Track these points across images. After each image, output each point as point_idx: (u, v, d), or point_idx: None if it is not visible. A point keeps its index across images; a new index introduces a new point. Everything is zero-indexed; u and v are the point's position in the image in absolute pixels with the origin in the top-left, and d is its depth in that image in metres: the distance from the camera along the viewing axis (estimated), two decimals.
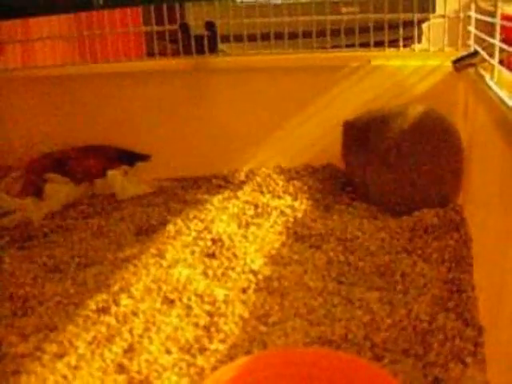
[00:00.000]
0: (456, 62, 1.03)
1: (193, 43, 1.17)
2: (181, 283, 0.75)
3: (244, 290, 0.75)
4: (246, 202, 1.00)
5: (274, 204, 0.99)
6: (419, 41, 1.33)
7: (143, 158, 1.15)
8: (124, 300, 0.72)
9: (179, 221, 0.93)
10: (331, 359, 0.56)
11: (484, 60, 0.90)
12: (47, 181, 1.08)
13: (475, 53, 0.97)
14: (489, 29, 0.88)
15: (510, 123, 0.63)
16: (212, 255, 0.84)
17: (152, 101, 1.17)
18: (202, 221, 0.93)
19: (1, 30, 1.26)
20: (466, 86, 0.99)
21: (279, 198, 1.03)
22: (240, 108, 1.16)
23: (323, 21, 1.13)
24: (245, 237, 0.88)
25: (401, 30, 1.12)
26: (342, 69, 1.11)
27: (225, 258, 0.82)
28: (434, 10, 1.42)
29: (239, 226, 0.93)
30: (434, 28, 1.13)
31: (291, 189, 1.05)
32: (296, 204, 0.99)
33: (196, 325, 0.68)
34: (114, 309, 0.70)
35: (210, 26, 1.18)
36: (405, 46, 1.14)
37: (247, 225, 0.93)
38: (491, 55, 0.83)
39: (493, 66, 0.82)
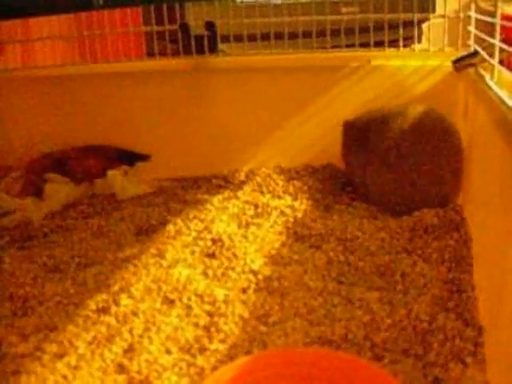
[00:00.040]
0: (456, 62, 1.03)
1: (193, 43, 1.17)
2: (181, 283, 0.75)
3: (244, 290, 0.75)
4: (246, 202, 1.00)
5: (274, 204, 0.99)
6: (419, 41, 1.33)
7: (143, 157, 1.15)
8: (124, 300, 0.72)
9: (179, 221, 0.93)
10: (331, 359, 0.56)
11: (484, 60, 0.90)
12: (47, 181, 1.08)
13: (475, 53, 0.97)
14: (489, 29, 0.88)
15: (510, 123, 0.63)
16: (212, 255, 0.84)
17: (152, 101, 1.17)
18: (202, 221, 0.93)
19: (1, 30, 1.26)
20: (466, 86, 0.99)
21: (279, 198, 1.03)
22: (240, 108, 1.16)
23: (323, 21, 1.13)
24: (245, 237, 0.88)
25: (401, 30, 1.12)
26: (342, 69, 1.11)
27: (225, 258, 0.82)
28: (433, 10, 1.42)
29: (239, 226, 0.93)
30: (434, 28, 1.13)
31: (291, 189, 1.05)
32: (296, 204, 0.99)
33: (196, 325, 0.68)
34: (114, 309, 0.70)
35: (209, 25, 1.18)
36: (405, 46, 1.14)
37: (247, 225, 0.93)
38: (491, 55, 0.83)
39: (493, 66, 0.82)
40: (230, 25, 1.17)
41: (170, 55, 1.21)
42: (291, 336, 0.64)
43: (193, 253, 0.84)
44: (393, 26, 1.13)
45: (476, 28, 1.01)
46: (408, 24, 1.15)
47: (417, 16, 1.14)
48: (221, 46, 1.20)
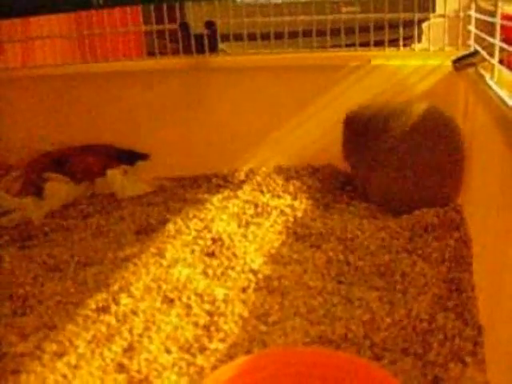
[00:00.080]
0: (456, 61, 1.03)
1: (193, 42, 1.17)
2: (181, 282, 0.75)
3: (244, 290, 0.75)
4: (246, 202, 1.00)
5: (274, 203, 0.99)
6: (419, 40, 1.33)
7: (143, 157, 1.15)
8: (124, 299, 0.72)
9: (179, 220, 0.93)
10: (331, 359, 0.56)
11: (484, 59, 0.90)
12: (47, 180, 1.08)
13: (475, 52, 0.97)
14: (489, 28, 0.88)
15: (510, 123, 0.63)
16: (212, 254, 0.84)
17: (152, 100, 1.17)
18: (201, 220, 0.93)
19: (1, 30, 1.26)
20: (466, 86, 0.99)
21: (279, 197, 1.03)
22: (240, 107, 1.16)
23: (323, 20, 1.13)
24: (245, 236, 0.88)
25: (401, 30, 1.12)
26: (342, 68, 1.11)
27: (225, 258, 0.82)
28: (434, 10, 1.42)
29: (239, 226, 0.93)
30: (434, 27, 1.13)
31: (291, 188, 1.05)
32: (296, 203, 0.99)
33: (196, 324, 0.68)
34: (113, 308, 0.70)
35: (209, 25, 1.18)
36: (405, 45, 1.14)
37: (247, 224, 0.93)
38: (491, 55, 0.83)
39: (493, 65, 0.82)
40: (230, 24, 1.17)
41: (169, 54, 1.21)
42: (291, 335, 0.64)
43: (193, 252, 0.84)
44: (393, 26, 1.13)
45: (476, 27, 1.01)
46: (408, 23, 1.15)
47: (417, 15, 1.14)
48: (221, 45, 1.20)
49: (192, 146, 1.17)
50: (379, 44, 1.13)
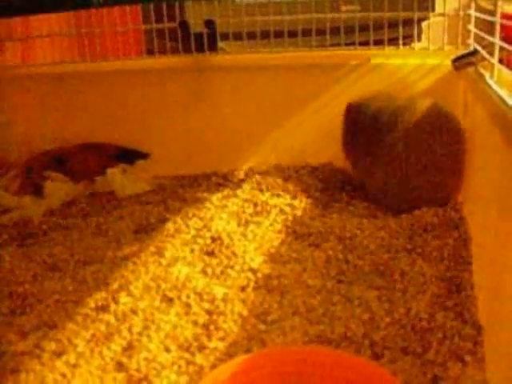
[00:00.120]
0: (456, 60, 1.03)
1: (192, 41, 1.17)
2: (180, 281, 0.75)
3: (243, 289, 0.75)
4: (246, 201, 1.00)
5: (274, 202, 0.99)
6: (419, 39, 1.33)
7: (143, 155, 1.15)
8: (123, 298, 0.72)
9: (178, 219, 0.93)
10: (330, 358, 0.56)
11: (484, 59, 0.90)
12: (47, 178, 1.08)
13: (475, 51, 0.97)
14: (488, 27, 0.88)
15: (509, 122, 0.63)
16: (211, 253, 0.84)
17: (151, 99, 1.17)
18: (201, 219, 0.93)
19: (0, 28, 1.26)
20: (466, 85, 0.99)
21: (278, 196, 1.02)
22: (239, 106, 1.16)
23: (323, 19, 1.13)
24: (244, 235, 0.88)
25: (400, 29, 1.12)
26: (341, 67, 1.11)
27: (224, 256, 0.82)
28: (433, 9, 1.41)
29: (238, 225, 0.92)
30: (433, 26, 1.13)
31: (290, 187, 1.05)
32: (295, 202, 0.99)
33: (195, 323, 0.68)
34: (113, 307, 0.70)
35: (209, 23, 1.18)
36: (404, 44, 1.14)
37: (246, 223, 0.93)
38: (491, 54, 0.83)
39: (492, 64, 0.82)
40: (230, 23, 1.17)
41: (169, 53, 1.21)
42: (290, 334, 0.64)
43: (192, 251, 0.84)
44: (392, 25, 1.12)
45: (476, 26, 1.01)
46: (408, 22, 1.15)
47: (416, 14, 1.13)
48: (220, 44, 1.20)
49: (191, 145, 1.17)
50: (379, 43, 1.13)
